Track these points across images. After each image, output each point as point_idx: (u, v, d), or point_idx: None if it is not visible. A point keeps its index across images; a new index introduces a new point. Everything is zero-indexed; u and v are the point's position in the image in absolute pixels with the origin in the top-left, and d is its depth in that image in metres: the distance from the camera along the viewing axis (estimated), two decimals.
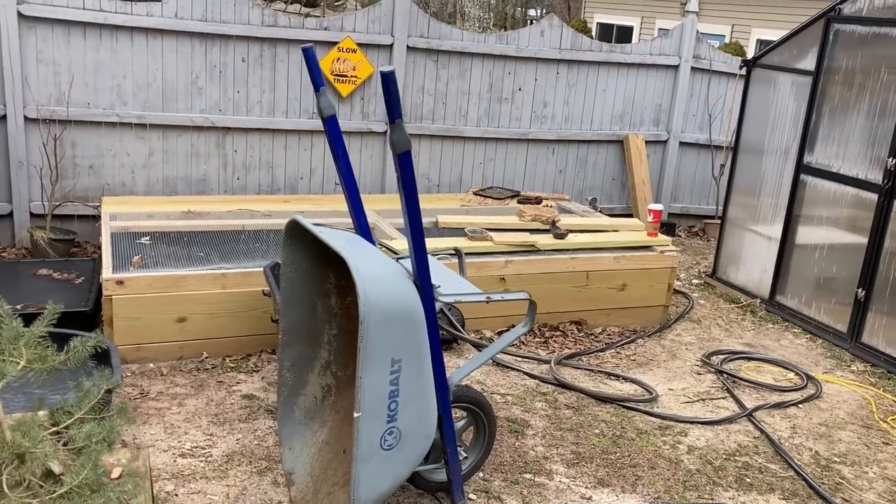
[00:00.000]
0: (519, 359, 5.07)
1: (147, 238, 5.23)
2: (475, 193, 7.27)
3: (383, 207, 6.42)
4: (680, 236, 8.47)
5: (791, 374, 5.26)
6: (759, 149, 6.54)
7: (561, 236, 5.74)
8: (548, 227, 6.07)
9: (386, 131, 7.12)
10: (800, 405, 4.81)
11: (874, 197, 5.53)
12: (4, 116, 5.97)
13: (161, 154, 6.50)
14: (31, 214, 6.21)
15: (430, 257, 3.44)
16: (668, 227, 8.39)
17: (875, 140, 5.53)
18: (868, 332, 5.59)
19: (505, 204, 7.07)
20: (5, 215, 6.19)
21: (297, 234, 3.12)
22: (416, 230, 2.71)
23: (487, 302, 2.94)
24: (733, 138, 6.84)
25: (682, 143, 8.34)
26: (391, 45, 6.94)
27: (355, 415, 2.64)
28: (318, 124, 6.86)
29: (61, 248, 5.97)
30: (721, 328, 6.02)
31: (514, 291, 3.11)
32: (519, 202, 7.12)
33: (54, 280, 5.28)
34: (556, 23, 7.56)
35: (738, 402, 4.75)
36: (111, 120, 6.26)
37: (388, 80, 2.45)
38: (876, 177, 5.52)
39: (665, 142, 8.30)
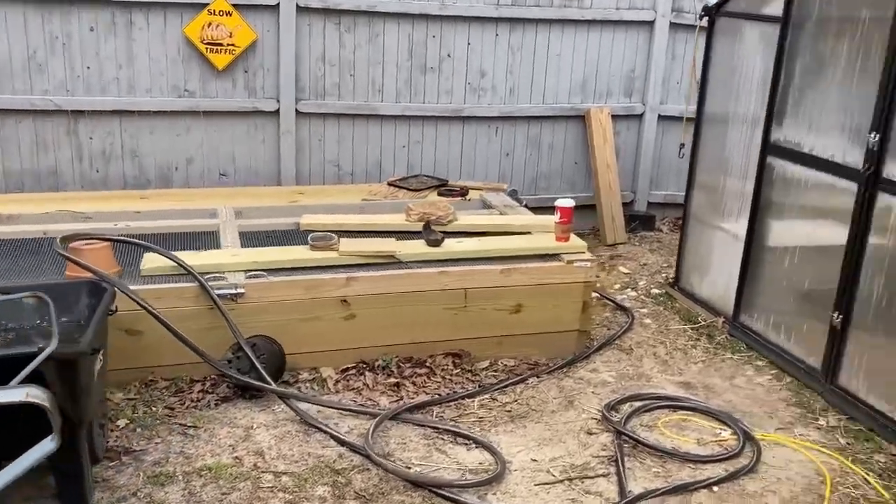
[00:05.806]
0: (344, 413, 3.82)
1: None
2: (390, 184, 6.02)
3: (260, 204, 5.28)
4: (661, 230, 6.97)
5: (727, 433, 3.84)
6: (723, 120, 5.04)
7: (434, 243, 4.44)
8: (441, 226, 4.79)
9: (277, 109, 5.93)
10: (715, 487, 3.40)
11: (853, 186, 3.98)
12: None
13: None
14: None
15: None
16: (646, 220, 6.94)
17: (853, 109, 3.99)
18: (846, 373, 4.08)
19: (422, 196, 5.80)
20: None
21: None
22: None
23: None
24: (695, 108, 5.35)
25: (662, 117, 6.81)
26: (277, 6, 5.73)
27: None
28: (192, 104, 5.76)
29: None
30: (657, 360, 4.60)
31: None
32: (440, 194, 5.85)
33: None
34: None
35: (620, 483, 3.37)
36: None
37: None
38: (855, 159, 3.97)
39: (640, 115, 6.79)
